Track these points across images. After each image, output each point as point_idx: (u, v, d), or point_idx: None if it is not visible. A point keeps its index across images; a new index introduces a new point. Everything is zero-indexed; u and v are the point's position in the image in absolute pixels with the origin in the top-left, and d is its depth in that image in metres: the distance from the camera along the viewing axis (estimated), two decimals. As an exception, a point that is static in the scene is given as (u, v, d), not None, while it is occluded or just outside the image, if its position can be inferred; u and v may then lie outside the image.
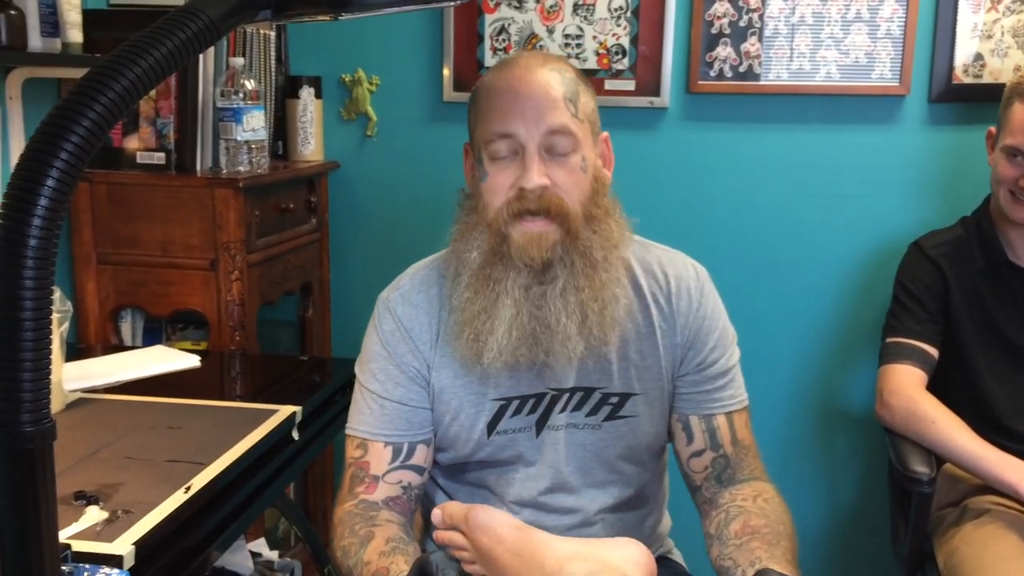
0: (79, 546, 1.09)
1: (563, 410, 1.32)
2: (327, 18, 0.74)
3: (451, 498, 1.41)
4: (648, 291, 1.34)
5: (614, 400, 1.33)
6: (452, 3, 0.85)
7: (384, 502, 1.30)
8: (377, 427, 1.31)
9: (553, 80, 1.24)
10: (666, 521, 1.53)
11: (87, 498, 1.22)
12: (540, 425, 1.33)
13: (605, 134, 1.34)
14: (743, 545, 1.19)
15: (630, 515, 1.40)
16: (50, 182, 0.59)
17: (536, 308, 1.24)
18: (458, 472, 1.39)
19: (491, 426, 1.32)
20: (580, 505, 1.35)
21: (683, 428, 1.35)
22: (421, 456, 1.33)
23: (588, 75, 2.32)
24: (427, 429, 1.33)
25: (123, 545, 1.11)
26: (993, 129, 1.89)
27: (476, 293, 1.26)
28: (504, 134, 1.22)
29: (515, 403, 1.31)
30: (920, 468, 1.76)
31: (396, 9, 0.72)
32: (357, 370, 1.36)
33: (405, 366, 1.32)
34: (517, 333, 1.24)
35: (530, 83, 1.23)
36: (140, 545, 1.12)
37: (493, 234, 1.24)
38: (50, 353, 0.61)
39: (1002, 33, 2.24)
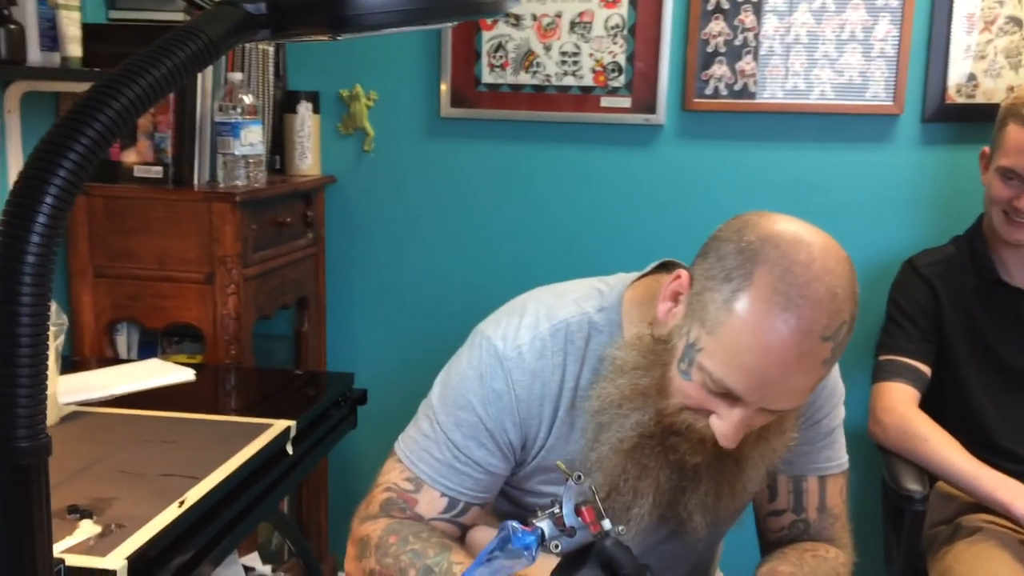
0: (72, 560, 1.09)
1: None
2: (325, 38, 0.74)
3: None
4: None
5: (719, 516, 1.21)
6: (450, 24, 0.85)
7: None
8: (442, 476, 1.18)
9: (821, 362, 1.01)
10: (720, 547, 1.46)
11: (80, 512, 1.22)
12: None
13: None
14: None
15: (699, 562, 1.34)
16: (49, 199, 0.60)
17: (674, 499, 1.14)
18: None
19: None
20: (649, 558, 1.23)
21: (768, 484, 1.23)
22: (472, 516, 1.22)
23: (584, 92, 2.35)
24: (490, 493, 1.22)
25: (116, 559, 1.11)
26: (987, 149, 1.91)
27: (620, 460, 1.12)
28: (733, 395, 1.02)
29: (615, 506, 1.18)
30: (913, 486, 1.77)
31: (394, 30, 0.72)
32: (439, 402, 1.20)
33: (499, 434, 1.17)
34: (655, 514, 1.15)
35: (794, 368, 1.00)
36: (133, 559, 1.12)
37: (660, 424, 1.09)
38: (46, 369, 0.61)
39: (995, 53, 2.26)
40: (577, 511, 0.94)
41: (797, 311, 0.98)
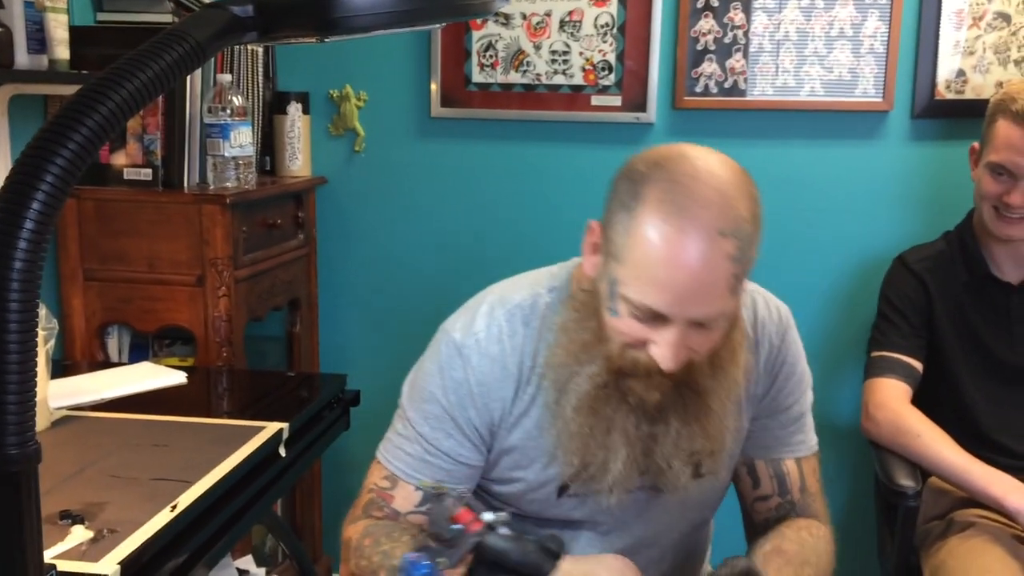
0: (64, 566, 1.09)
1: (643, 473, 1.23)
2: (313, 40, 0.74)
3: None
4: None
5: (696, 459, 1.23)
6: (438, 25, 0.85)
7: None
8: (415, 469, 1.23)
9: (728, 256, 1.03)
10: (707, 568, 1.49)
11: (72, 517, 1.21)
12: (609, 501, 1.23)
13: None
14: (767, 559, 1.17)
15: (684, 561, 1.37)
16: (36, 204, 0.59)
17: (648, 449, 1.16)
18: (518, 523, 1.26)
19: (562, 489, 1.24)
20: (647, 565, 1.25)
21: (748, 472, 1.29)
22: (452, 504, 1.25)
23: (574, 91, 2.35)
24: (466, 484, 1.24)
25: (109, 564, 1.11)
26: (976, 145, 1.91)
27: (585, 421, 1.15)
28: (651, 310, 1.05)
29: (586, 476, 1.20)
30: (906, 482, 1.77)
31: (382, 32, 0.72)
32: (407, 400, 1.25)
33: (463, 422, 1.21)
34: (632, 468, 1.16)
35: (702, 265, 1.02)
36: (126, 564, 1.12)
37: (610, 372, 1.12)
38: (35, 376, 0.61)
39: (984, 49, 2.27)
40: (452, 519, 0.97)
41: (689, 214, 1.02)
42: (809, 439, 1.31)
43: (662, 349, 1.06)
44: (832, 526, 1.31)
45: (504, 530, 1.00)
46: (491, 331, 1.20)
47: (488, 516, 0.99)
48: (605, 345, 1.12)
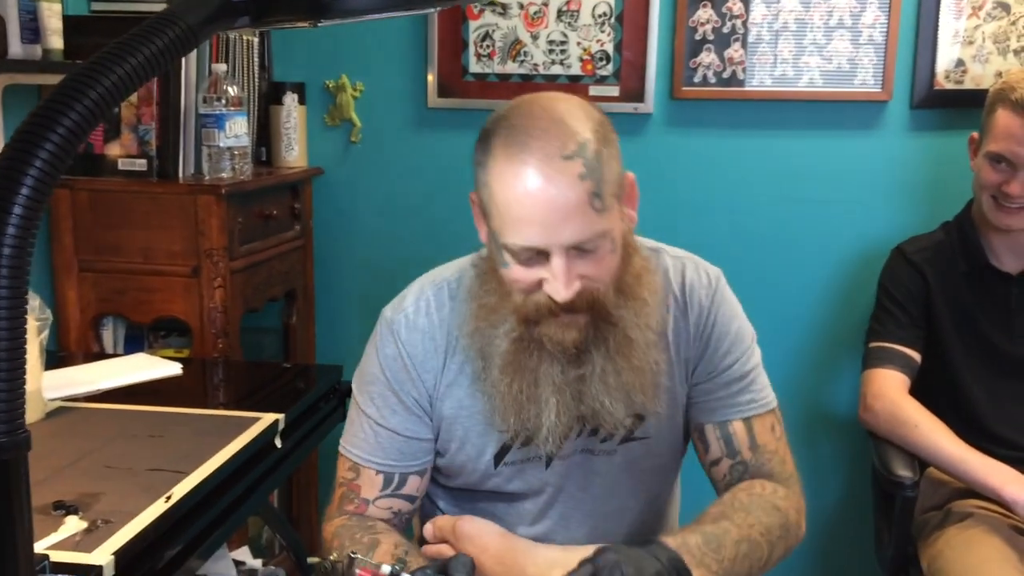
0: (58, 557, 1.08)
1: (578, 436, 1.25)
2: (306, 25, 0.73)
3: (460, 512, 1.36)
4: (667, 304, 1.27)
5: (627, 422, 1.25)
6: (432, 9, 0.84)
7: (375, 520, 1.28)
8: (370, 453, 1.27)
9: (575, 175, 1.06)
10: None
11: (66, 508, 1.20)
12: (550, 454, 1.25)
13: (630, 176, 1.21)
14: (677, 534, 1.14)
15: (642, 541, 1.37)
16: (25, 190, 0.59)
17: (578, 392, 1.18)
18: (468, 500, 1.33)
19: (498, 457, 1.26)
20: (594, 536, 1.28)
21: (700, 438, 1.29)
22: (413, 486, 1.28)
23: (572, 81, 2.34)
24: (421, 460, 1.28)
25: (103, 555, 1.10)
26: (976, 135, 1.91)
27: (513, 379, 1.18)
28: (527, 248, 1.10)
29: (524, 434, 1.23)
30: (903, 472, 1.77)
31: (376, 16, 0.71)
32: (355, 387, 1.30)
33: (404, 395, 1.25)
34: (566, 415, 1.18)
35: (552, 188, 1.06)
36: (120, 555, 1.11)
37: (521, 321, 1.15)
38: (24, 363, 0.60)
39: (983, 39, 2.26)
40: None
41: (529, 148, 1.07)
42: (760, 397, 1.30)
43: (553, 282, 1.10)
44: (800, 483, 1.28)
45: None
46: (419, 306, 1.26)
47: (386, 569, 1.01)
48: (510, 300, 1.15)
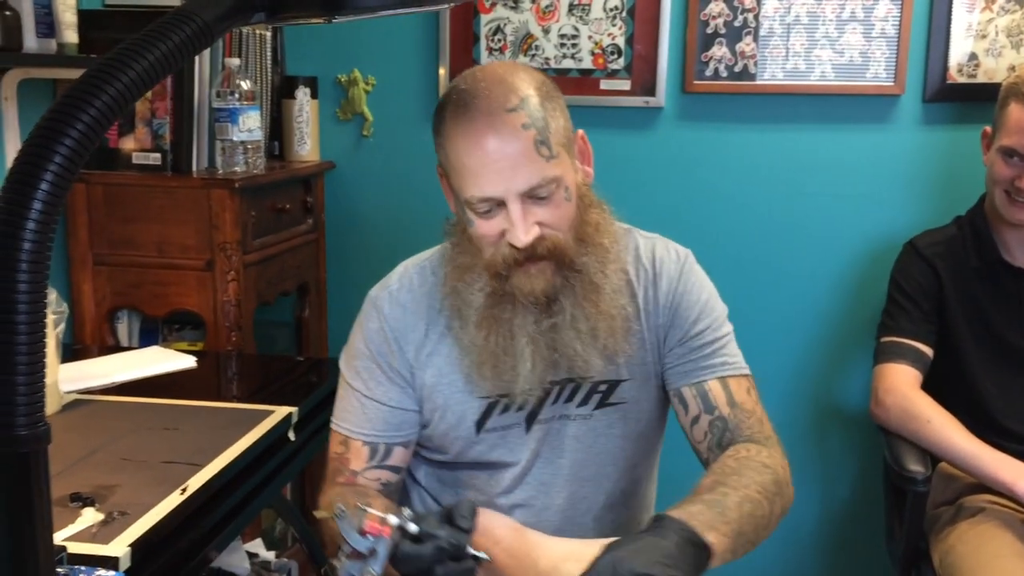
0: (75, 548, 1.09)
1: (555, 401, 1.32)
2: (321, 20, 0.74)
3: (435, 501, 1.41)
4: (633, 276, 1.35)
5: (603, 388, 1.33)
6: (446, 5, 0.85)
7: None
8: (357, 425, 1.32)
9: (519, 125, 1.16)
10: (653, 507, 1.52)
11: (83, 500, 1.22)
12: (530, 420, 1.32)
13: (580, 133, 1.30)
14: (679, 506, 1.13)
15: (623, 514, 1.40)
16: (45, 185, 0.59)
17: (551, 340, 1.24)
18: (448, 472, 1.38)
19: (480, 423, 1.32)
20: (572, 502, 1.34)
21: (679, 401, 1.33)
22: (398, 457, 1.33)
23: (583, 75, 2.34)
24: (406, 431, 1.33)
25: (119, 547, 1.11)
26: (988, 129, 1.90)
27: (489, 332, 1.24)
28: (484, 198, 1.18)
29: (504, 400, 1.30)
30: (915, 467, 1.77)
31: (390, 12, 0.72)
32: (342, 363, 1.36)
33: (387, 367, 1.31)
34: (541, 365, 1.24)
35: (497, 137, 1.16)
36: (136, 547, 1.13)
37: (492, 276, 1.23)
38: (44, 356, 0.61)
39: (996, 33, 2.25)
40: (361, 532, 1.01)
41: (474, 106, 1.18)
42: (733, 361, 1.34)
43: (512, 230, 1.18)
44: (781, 445, 1.30)
45: (413, 526, 1.03)
46: (402, 283, 1.34)
47: (393, 520, 1.02)
48: (480, 258, 1.23)
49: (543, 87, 1.22)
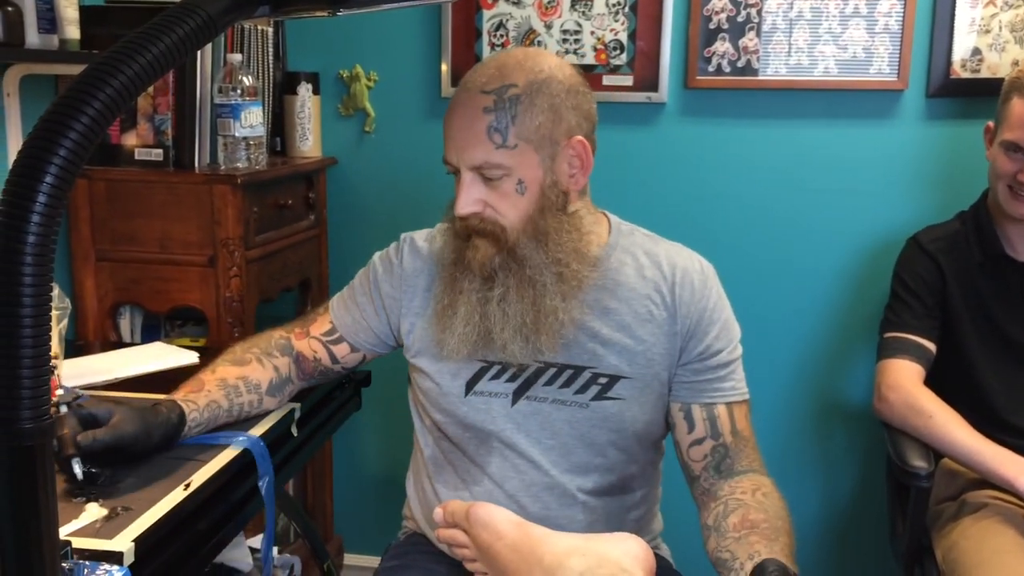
0: (79, 543, 1.09)
1: (549, 383, 1.35)
2: (324, 14, 0.74)
3: (436, 482, 1.43)
4: (651, 279, 1.37)
5: (603, 380, 1.35)
6: (450, 0, 0.84)
7: (298, 354, 1.52)
8: (337, 306, 1.53)
9: (482, 109, 1.26)
10: (658, 520, 1.53)
11: (87, 495, 1.22)
12: (518, 394, 1.36)
13: (577, 138, 1.31)
14: (742, 538, 1.19)
15: (613, 502, 1.41)
16: (48, 179, 0.59)
17: (483, 312, 1.33)
18: (447, 442, 1.43)
19: (469, 384, 1.37)
20: (559, 484, 1.37)
21: (684, 416, 1.37)
22: (342, 351, 1.51)
23: (586, 71, 2.33)
24: (360, 340, 1.50)
25: (123, 542, 1.11)
26: (991, 124, 1.90)
27: (444, 289, 1.38)
28: (446, 160, 1.32)
29: (496, 367, 1.37)
30: (918, 463, 1.76)
31: (393, 5, 0.71)
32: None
33: (375, 290, 1.48)
34: (471, 331, 1.33)
35: (460, 112, 1.29)
36: (140, 542, 1.13)
37: (453, 238, 1.36)
38: (49, 350, 0.61)
39: (1000, 28, 2.24)
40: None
41: (465, 78, 1.31)
42: (740, 387, 1.38)
43: (456, 200, 1.31)
44: (772, 478, 1.33)
45: (62, 410, 1.25)
46: (428, 234, 1.48)
47: (63, 409, 1.25)
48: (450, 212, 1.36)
49: (546, 84, 1.28)
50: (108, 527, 1.15)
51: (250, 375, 1.46)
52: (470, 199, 1.29)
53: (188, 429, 1.35)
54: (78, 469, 1.20)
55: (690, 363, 1.36)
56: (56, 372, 1.55)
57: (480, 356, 1.37)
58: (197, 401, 1.38)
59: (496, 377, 1.37)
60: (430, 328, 1.41)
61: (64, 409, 1.29)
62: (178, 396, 1.38)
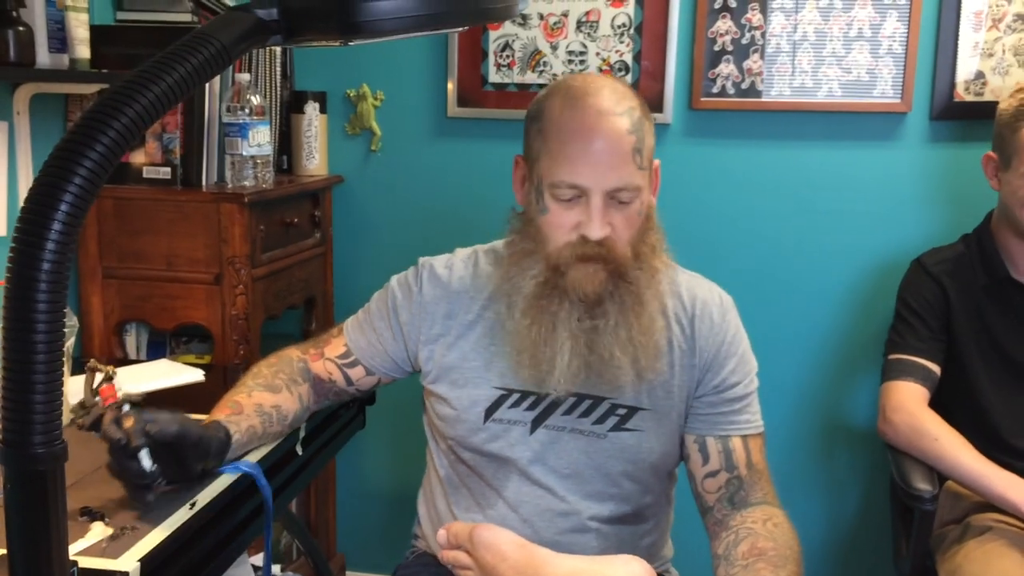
0: (85, 562, 1.10)
1: (568, 413, 1.35)
2: (336, 44, 0.75)
3: (451, 502, 1.43)
4: (671, 311, 1.37)
5: (622, 412, 1.35)
6: (460, 28, 0.85)
7: (315, 377, 1.50)
8: (352, 329, 1.51)
9: (624, 129, 1.25)
10: (668, 547, 1.53)
11: (92, 514, 1.22)
12: (536, 423, 1.35)
13: (656, 163, 1.36)
14: (749, 566, 1.19)
15: (626, 530, 1.41)
16: (63, 207, 0.60)
17: (590, 341, 1.28)
18: (462, 465, 1.42)
19: (489, 412, 1.36)
20: (574, 511, 1.36)
21: (699, 448, 1.36)
22: (356, 373, 1.50)
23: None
24: (376, 364, 1.48)
25: (129, 561, 1.11)
26: (992, 155, 1.88)
27: (533, 321, 1.30)
28: (573, 185, 1.25)
29: (516, 395, 1.35)
30: (922, 485, 1.76)
31: (405, 35, 0.72)
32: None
33: (393, 315, 1.45)
34: (577, 362, 1.29)
35: (603, 134, 1.24)
36: (146, 561, 1.13)
37: (550, 267, 1.29)
38: (62, 376, 0.62)
39: (1003, 51, 2.25)
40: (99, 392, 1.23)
41: (585, 101, 1.26)
42: (755, 419, 1.38)
43: (589, 221, 1.25)
44: (785, 510, 1.34)
45: (124, 409, 1.21)
46: (448, 262, 1.45)
47: (126, 408, 1.19)
48: (543, 247, 1.29)
49: (643, 106, 1.31)
50: (114, 546, 1.15)
51: (282, 404, 1.43)
52: (606, 221, 1.26)
53: (231, 451, 1.33)
54: (147, 461, 1.18)
55: (706, 395, 1.36)
56: (113, 379, 1.60)
57: (554, 388, 1.34)
58: (239, 424, 1.34)
59: (516, 405, 1.36)
60: (483, 359, 1.38)
61: (127, 408, 1.27)
62: (220, 417, 1.34)
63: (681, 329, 1.37)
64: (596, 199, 1.24)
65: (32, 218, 0.60)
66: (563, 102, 1.27)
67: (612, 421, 1.35)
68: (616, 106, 1.26)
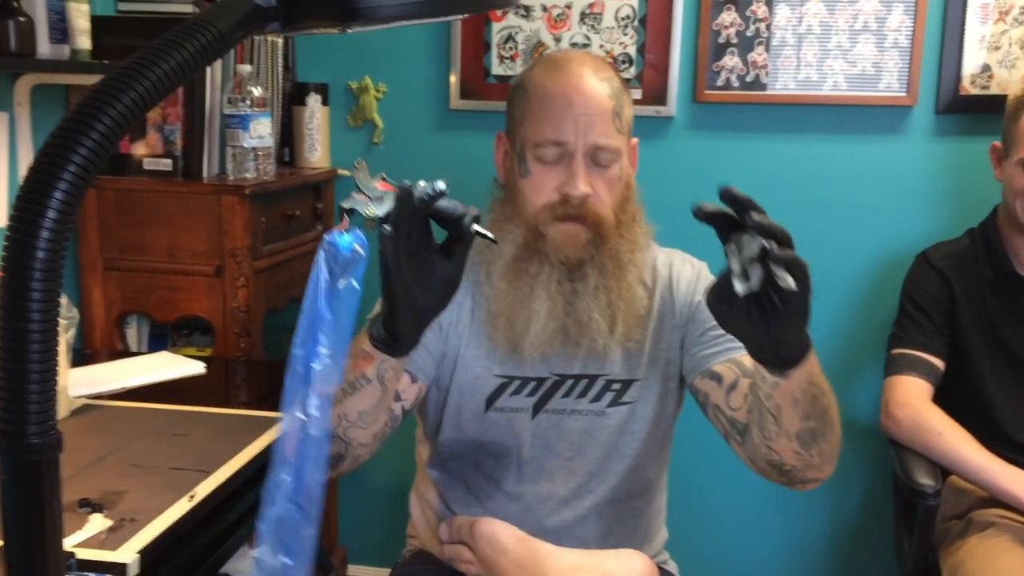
0: (84, 554, 1.09)
1: (567, 395, 1.35)
2: (335, 30, 0.74)
3: (447, 500, 1.42)
4: (650, 280, 1.39)
5: (617, 386, 1.36)
6: (461, 16, 0.85)
7: None
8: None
9: (604, 92, 1.29)
10: (663, 532, 1.53)
11: (92, 506, 1.22)
12: (537, 408, 1.35)
13: (635, 140, 1.39)
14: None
15: (627, 511, 1.41)
16: (59, 194, 0.59)
17: (569, 304, 1.29)
18: (457, 462, 1.40)
19: (490, 401, 1.35)
20: (576, 494, 1.36)
21: (710, 377, 1.31)
22: (402, 384, 1.32)
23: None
24: (415, 366, 1.31)
25: (128, 553, 1.11)
26: (998, 144, 1.88)
27: (510, 284, 1.30)
28: (556, 142, 1.28)
29: (516, 383, 1.35)
30: (925, 480, 1.76)
31: (405, 22, 0.72)
32: None
33: None
34: (553, 326, 1.29)
35: (584, 93, 1.28)
36: (145, 553, 1.12)
37: (529, 230, 1.30)
38: (56, 365, 0.61)
39: (1010, 44, 2.24)
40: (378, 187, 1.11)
41: (570, 67, 1.31)
42: None
43: (572, 180, 1.27)
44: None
45: (440, 184, 1.10)
46: None
47: (406, 182, 1.08)
48: (524, 210, 1.30)
49: (622, 80, 1.36)
50: (113, 538, 1.15)
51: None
52: (587, 180, 1.28)
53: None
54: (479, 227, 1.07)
55: (696, 341, 1.37)
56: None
57: (550, 365, 1.33)
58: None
59: (517, 392, 1.36)
60: (488, 337, 1.34)
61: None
62: None
63: (661, 297, 1.39)
64: (578, 157, 1.27)
65: (27, 206, 0.59)
66: (545, 69, 1.33)
67: (609, 397, 1.36)
68: (596, 73, 1.31)
